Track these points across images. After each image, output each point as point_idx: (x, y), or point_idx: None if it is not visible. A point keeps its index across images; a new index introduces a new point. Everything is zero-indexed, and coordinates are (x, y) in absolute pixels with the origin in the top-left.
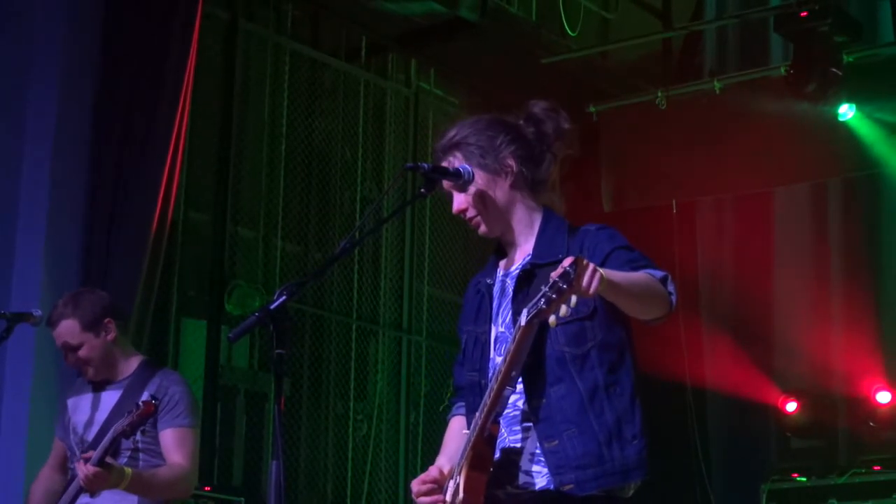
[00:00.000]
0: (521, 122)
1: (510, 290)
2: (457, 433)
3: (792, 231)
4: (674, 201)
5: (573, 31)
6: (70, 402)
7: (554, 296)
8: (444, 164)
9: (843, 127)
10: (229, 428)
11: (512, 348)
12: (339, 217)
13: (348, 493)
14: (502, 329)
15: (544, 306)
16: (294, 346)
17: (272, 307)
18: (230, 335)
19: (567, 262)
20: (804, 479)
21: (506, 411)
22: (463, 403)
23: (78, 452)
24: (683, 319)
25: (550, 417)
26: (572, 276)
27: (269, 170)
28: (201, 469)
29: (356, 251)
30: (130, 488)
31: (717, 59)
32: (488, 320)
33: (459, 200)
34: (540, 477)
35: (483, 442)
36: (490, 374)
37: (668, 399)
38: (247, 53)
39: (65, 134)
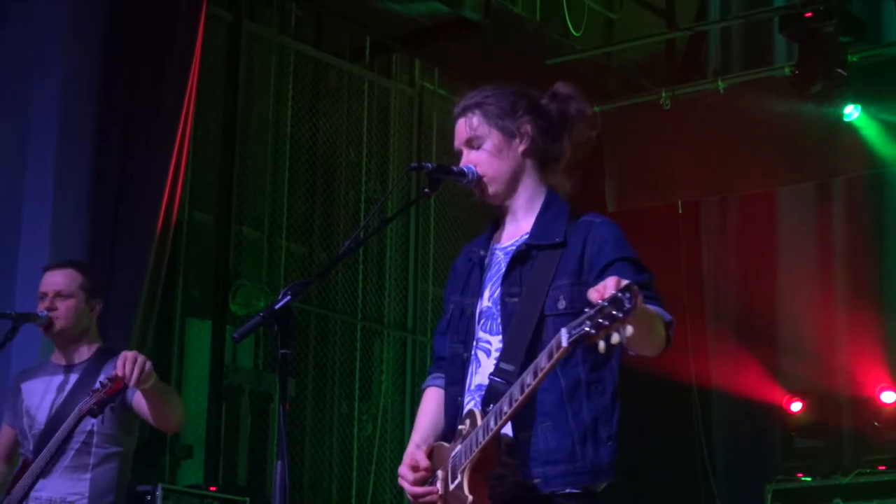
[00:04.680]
0: (545, 99)
1: (503, 266)
2: (431, 409)
3: (796, 231)
4: (678, 201)
5: (577, 31)
6: (24, 386)
7: (605, 322)
8: (463, 120)
9: (848, 127)
10: (234, 428)
11: (546, 366)
12: (344, 217)
13: (353, 492)
14: (488, 304)
15: (592, 331)
16: (299, 347)
17: (277, 307)
18: (234, 335)
19: (611, 283)
20: (809, 478)
21: (483, 391)
22: (441, 375)
23: (30, 436)
24: (689, 319)
25: (528, 409)
26: (628, 306)
27: (274, 170)
28: (206, 469)
29: (361, 251)
30: (156, 388)
31: (721, 60)
32: (476, 293)
33: (470, 157)
34: (515, 469)
35: (495, 445)
36: (473, 348)
37: (673, 399)
38: (250, 54)
39: (68, 135)
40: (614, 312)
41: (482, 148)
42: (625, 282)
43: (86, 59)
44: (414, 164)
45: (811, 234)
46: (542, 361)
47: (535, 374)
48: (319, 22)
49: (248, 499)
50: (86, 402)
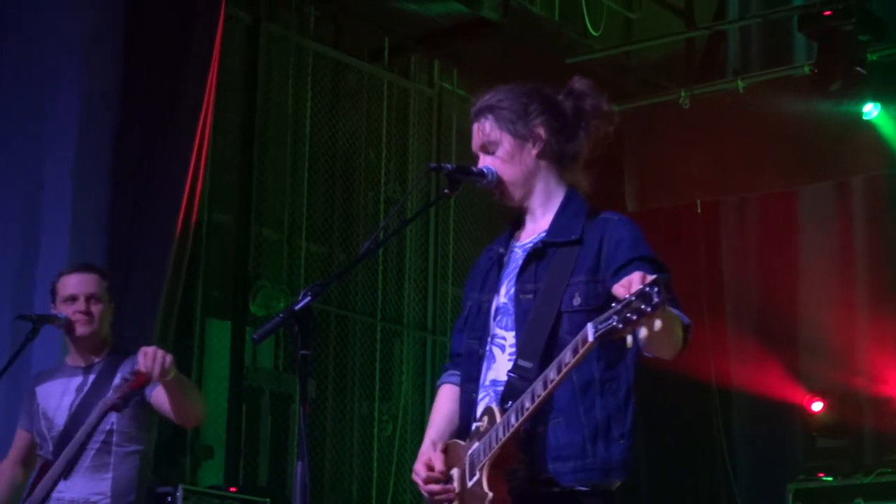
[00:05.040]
0: (561, 96)
1: (520, 262)
2: (446, 406)
3: (816, 230)
4: (698, 201)
5: (596, 30)
6: (38, 389)
7: (633, 317)
8: (476, 125)
9: (867, 125)
10: (254, 429)
11: (572, 361)
12: (363, 218)
13: (373, 493)
14: (504, 300)
15: (619, 326)
16: (319, 347)
17: (296, 308)
18: (255, 336)
19: (637, 278)
20: (830, 478)
21: (500, 388)
22: (456, 372)
23: (49, 438)
24: (709, 319)
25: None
26: (657, 301)
27: (293, 171)
28: (227, 470)
29: (380, 252)
30: (176, 380)
31: (740, 59)
32: (494, 289)
33: (485, 163)
34: (527, 464)
35: (514, 443)
36: (488, 344)
37: (693, 399)
38: (269, 55)
39: (88, 137)
40: (643, 307)
41: (496, 153)
42: (651, 277)
43: (105, 61)
44: (433, 165)
45: (831, 233)
46: (567, 357)
47: (559, 370)
48: (338, 23)
49: (268, 500)
50: (109, 398)
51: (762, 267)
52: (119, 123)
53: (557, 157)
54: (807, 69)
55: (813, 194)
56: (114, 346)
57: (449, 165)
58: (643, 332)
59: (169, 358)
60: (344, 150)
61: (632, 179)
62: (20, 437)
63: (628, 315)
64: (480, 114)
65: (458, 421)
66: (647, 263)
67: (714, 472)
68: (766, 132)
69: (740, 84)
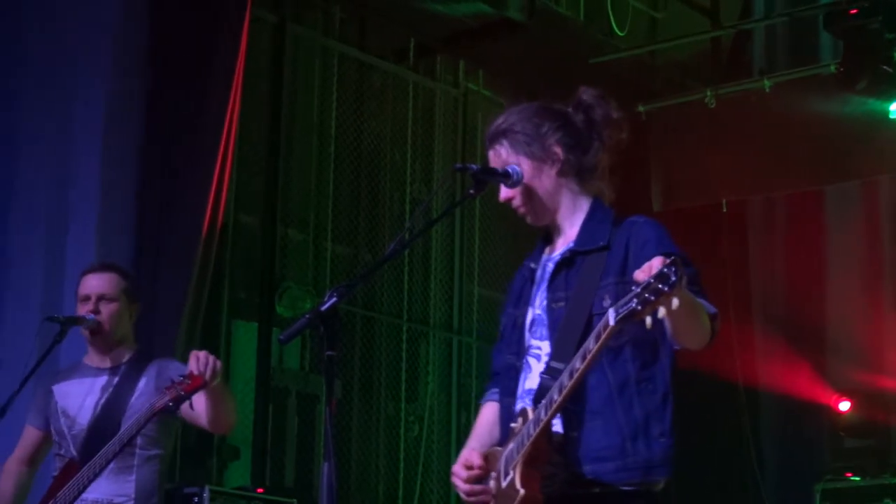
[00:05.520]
0: (570, 109)
1: (549, 274)
2: (488, 419)
3: (844, 229)
4: (724, 200)
5: (621, 30)
6: (56, 388)
7: (651, 297)
8: (492, 151)
9: (894, 124)
10: (281, 429)
11: (595, 348)
12: (389, 219)
13: (400, 494)
14: (538, 311)
15: (638, 307)
16: (345, 348)
17: (322, 309)
18: (281, 337)
19: (657, 262)
20: (858, 478)
21: (537, 391)
22: (497, 389)
23: (69, 436)
24: (735, 319)
25: (578, 407)
26: (674, 279)
27: (319, 172)
28: (253, 470)
29: (406, 253)
30: (220, 387)
31: (766, 58)
32: (527, 303)
33: (507, 190)
34: (565, 466)
35: (545, 440)
36: (525, 356)
37: (721, 399)
38: (295, 56)
39: (114, 140)
40: (660, 286)
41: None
42: (673, 257)
43: (131, 63)
44: (458, 165)
45: (858, 232)
46: (591, 343)
47: (584, 358)
48: (363, 24)
49: (295, 500)
50: (159, 400)
51: (789, 266)
52: (145, 125)
53: (577, 172)
54: (833, 68)
55: (839, 193)
56: (140, 349)
57: (474, 166)
58: (662, 312)
59: (219, 362)
60: (369, 150)
61: (657, 179)
62: (29, 435)
63: (647, 296)
64: (495, 139)
65: (500, 434)
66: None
67: (741, 472)
68: (793, 131)
69: (766, 83)
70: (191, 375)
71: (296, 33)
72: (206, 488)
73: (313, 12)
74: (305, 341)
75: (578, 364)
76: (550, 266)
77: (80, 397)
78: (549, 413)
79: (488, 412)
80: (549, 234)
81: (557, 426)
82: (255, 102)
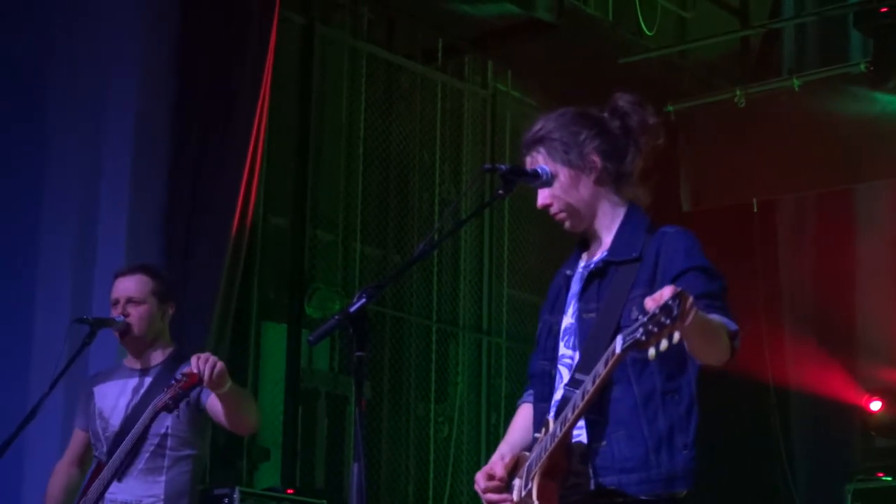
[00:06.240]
0: (606, 115)
1: (583, 282)
2: (521, 422)
3: (874, 228)
4: (754, 200)
5: (650, 30)
6: (96, 389)
7: (655, 329)
8: (529, 158)
9: None
10: (311, 431)
11: (603, 373)
12: (418, 219)
13: (430, 495)
14: (571, 320)
15: (643, 338)
16: (374, 349)
17: (351, 310)
18: (310, 338)
19: (667, 292)
20: (889, 478)
21: (561, 403)
22: (532, 391)
23: (103, 438)
24: (766, 319)
25: (602, 418)
26: (676, 313)
27: (348, 173)
28: (283, 472)
29: (435, 253)
30: (231, 392)
31: (795, 57)
32: (561, 310)
33: (544, 195)
34: (590, 478)
35: (562, 452)
36: (557, 364)
37: (751, 399)
38: (323, 57)
39: (143, 142)
40: (663, 319)
41: (553, 187)
42: (679, 289)
43: (160, 65)
44: (487, 166)
45: (888, 231)
46: (600, 368)
47: (594, 381)
48: (391, 25)
49: (325, 501)
50: (160, 398)
51: (819, 266)
52: (175, 127)
53: (614, 179)
54: (863, 66)
55: (870, 193)
56: (176, 351)
57: (503, 166)
58: (663, 345)
59: (220, 364)
60: (398, 151)
61: (687, 180)
62: (76, 437)
63: (651, 327)
64: (532, 146)
65: (531, 437)
66: (702, 273)
67: (772, 472)
68: (822, 130)
69: (796, 82)
70: (189, 373)
71: (324, 34)
72: (237, 489)
73: (341, 13)
74: (335, 342)
75: (589, 386)
76: (585, 274)
77: (114, 398)
78: (564, 430)
79: (522, 414)
80: (585, 241)
81: (582, 437)
82: (284, 104)
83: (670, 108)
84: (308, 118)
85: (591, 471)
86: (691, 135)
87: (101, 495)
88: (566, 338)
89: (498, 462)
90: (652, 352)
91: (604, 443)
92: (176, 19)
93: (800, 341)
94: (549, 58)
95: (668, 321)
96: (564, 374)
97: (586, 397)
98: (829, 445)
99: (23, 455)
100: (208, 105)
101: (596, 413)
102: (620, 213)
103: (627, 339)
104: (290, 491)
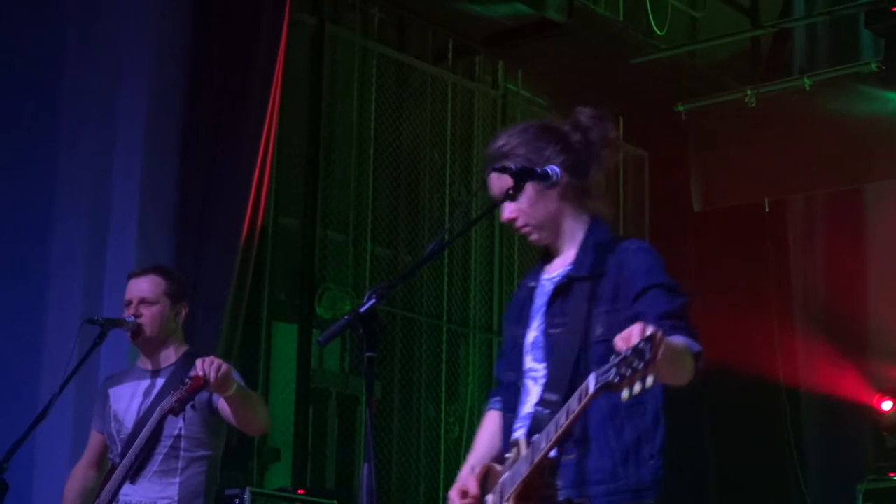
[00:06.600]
0: (568, 129)
1: (548, 296)
2: (489, 432)
3: (885, 227)
4: (765, 200)
5: (661, 30)
6: (112, 391)
7: (627, 372)
8: (494, 174)
9: None
10: (321, 431)
11: (577, 409)
12: (428, 219)
13: (441, 495)
14: (537, 333)
15: (616, 381)
16: (385, 349)
17: (361, 310)
18: (320, 339)
19: (636, 330)
20: None
21: (531, 422)
22: (500, 399)
23: (118, 440)
24: (777, 319)
25: (570, 432)
26: (648, 357)
27: (358, 173)
28: (294, 472)
29: (446, 254)
30: (238, 395)
31: (806, 57)
32: (526, 324)
33: (510, 210)
34: (559, 490)
35: (538, 476)
36: (524, 377)
37: (762, 399)
38: (334, 57)
39: (154, 142)
40: (636, 363)
41: (519, 200)
42: (650, 329)
43: (171, 65)
44: (498, 165)
45: None
46: (574, 404)
47: (567, 416)
48: (402, 24)
49: (335, 501)
50: (167, 402)
51: (830, 265)
52: (186, 126)
53: (578, 193)
54: (874, 66)
55: (880, 192)
56: (189, 350)
57: (514, 166)
58: (637, 388)
59: (225, 366)
60: (408, 151)
61: (697, 179)
62: (93, 440)
63: (623, 370)
64: (497, 162)
65: (501, 447)
66: (665, 290)
67: (783, 472)
68: (833, 130)
69: (807, 82)
70: (194, 376)
71: (334, 35)
72: (247, 490)
73: (352, 13)
74: (346, 343)
75: (563, 420)
76: (549, 287)
77: (127, 400)
78: (538, 458)
79: (490, 424)
80: (548, 253)
81: (552, 451)
82: (295, 104)
83: (681, 107)
84: (318, 118)
85: (560, 483)
86: (702, 135)
87: (114, 497)
88: (533, 351)
89: (470, 477)
90: (625, 394)
91: (572, 456)
92: (188, 21)
93: (811, 341)
94: (559, 58)
95: (640, 365)
96: (532, 388)
97: (559, 431)
98: (841, 445)
99: (33, 455)
100: (219, 106)
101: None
102: (583, 226)
103: (600, 379)
104: (300, 491)
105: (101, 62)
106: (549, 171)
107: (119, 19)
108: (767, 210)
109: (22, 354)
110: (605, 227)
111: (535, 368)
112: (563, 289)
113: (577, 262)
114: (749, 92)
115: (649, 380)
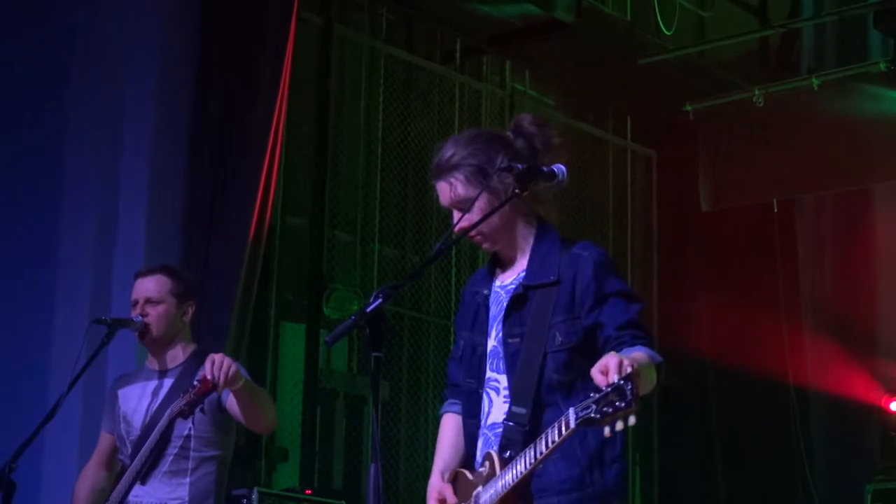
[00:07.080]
0: (510, 133)
1: (504, 306)
2: (450, 435)
3: (893, 228)
4: (773, 200)
5: (669, 30)
6: (120, 392)
7: (609, 410)
8: (444, 184)
9: None
10: (329, 431)
11: (558, 441)
12: (436, 219)
13: None
14: (494, 343)
15: (596, 417)
16: (393, 349)
17: (368, 310)
18: (327, 339)
19: (613, 364)
20: None
21: (497, 430)
22: (457, 401)
23: (127, 441)
24: (786, 319)
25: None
26: (630, 397)
27: (366, 173)
28: (302, 472)
29: (453, 253)
30: (246, 388)
31: (814, 56)
32: (484, 332)
33: (463, 220)
34: (530, 499)
35: (513, 496)
36: (485, 386)
37: (771, 399)
38: (342, 58)
39: (162, 142)
40: (617, 403)
41: (471, 210)
42: (626, 365)
43: (179, 64)
44: (505, 164)
45: None
46: (554, 435)
47: (547, 446)
48: (410, 25)
49: (343, 502)
50: (176, 405)
51: (838, 266)
52: (193, 128)
53: (527, 200)
54: (882, 66)
55: (889, 192)
56: (196, 350)
57: (520, 165)
58: (619, 426)
59: (234, 366)
60: (416, 151)
61: (706, 179)
62: (103, 440)
63: (605, 408)
64: (447, 172)
65: (464, 451)
66: (621, 298)
67: (792, 472)
68: (842, 130)
69: (815, 82)
70: (203, 379)
71: (342, 35)
72: (255, 490)
73: (360, 13)
74: (353, 343)
75: (542, 448)
76: (504, 296)
77: (135, 401)
78: (517, 480)
79: (449, 428)
80: (498, 259)
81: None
82: (302, 104)
83: (689, 107)
84: (326, 119)
85: (531, 493)
86: (710, 134)
87: (124, 498)
88: (492, 360)
89: (445, 486)
90: (607, 431)
91: (542, 466)
92: (196, 21)
93: (819, 341)
94: (567, 58)
95: (622, 405)
96: (494, 398)
97: (539, 458)
98: (849, 445)
99: (41, 455)
100: (227, 106)
101: (533, 437)
102: (532, 232)
103: (580, 414)
104: (308, 492)
105: (108, 62)
106: (555, 170)
107: (126, 19)
108: (776, 210)
109: (30, 354)
110: (553, 232)
111: (495, 378)
112: (519, 298)
113: (530, 270)
114: (757, 92)
115: (632, 419)
